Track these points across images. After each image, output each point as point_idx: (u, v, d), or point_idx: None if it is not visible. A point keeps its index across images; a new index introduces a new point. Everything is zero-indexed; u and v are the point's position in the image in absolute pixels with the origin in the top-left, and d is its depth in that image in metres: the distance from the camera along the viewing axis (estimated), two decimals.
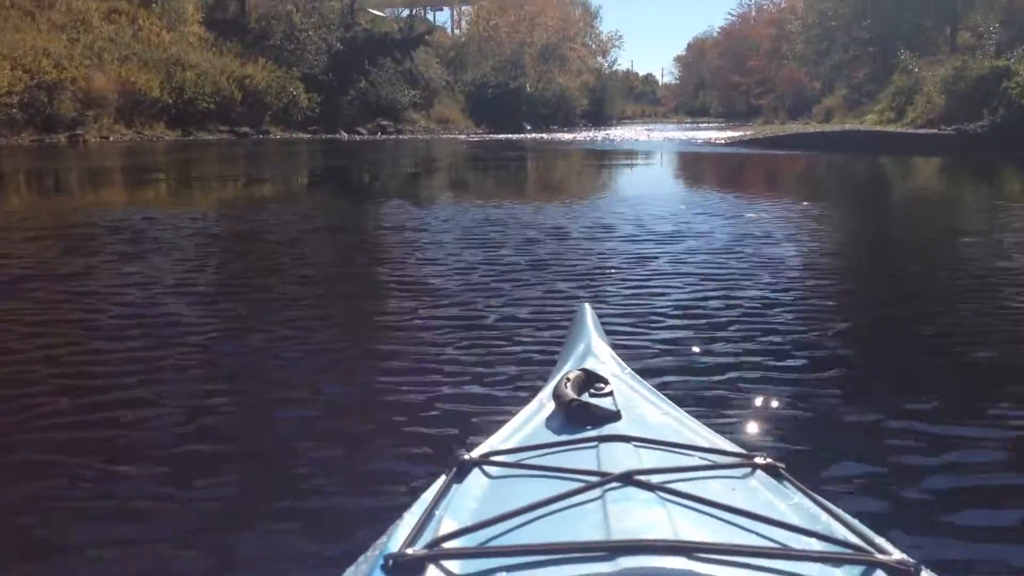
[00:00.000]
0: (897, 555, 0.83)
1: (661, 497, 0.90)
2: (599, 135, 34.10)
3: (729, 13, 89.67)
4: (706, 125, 51.41)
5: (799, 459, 2.39)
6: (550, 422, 1.23)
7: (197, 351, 3.63)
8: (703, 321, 4.08)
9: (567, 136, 33.71)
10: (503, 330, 3.92)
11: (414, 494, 1.03)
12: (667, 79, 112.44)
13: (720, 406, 2.89)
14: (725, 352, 3.55)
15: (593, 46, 66.52)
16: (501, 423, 1.31)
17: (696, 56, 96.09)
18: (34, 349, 3.62)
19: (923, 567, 0.82)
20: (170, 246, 6.33)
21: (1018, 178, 15.12)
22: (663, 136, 30.32)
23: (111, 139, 24.46)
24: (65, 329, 4.02)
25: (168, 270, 5.45)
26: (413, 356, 3.51)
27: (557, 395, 1.24)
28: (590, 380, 1.30)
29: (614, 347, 1.62)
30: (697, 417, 1.32)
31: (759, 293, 4.72)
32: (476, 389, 3.10)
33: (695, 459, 1.09)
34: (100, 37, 27.52)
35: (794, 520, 0.91)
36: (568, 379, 1.27)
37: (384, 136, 33.94)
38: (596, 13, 69.18)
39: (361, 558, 0.91)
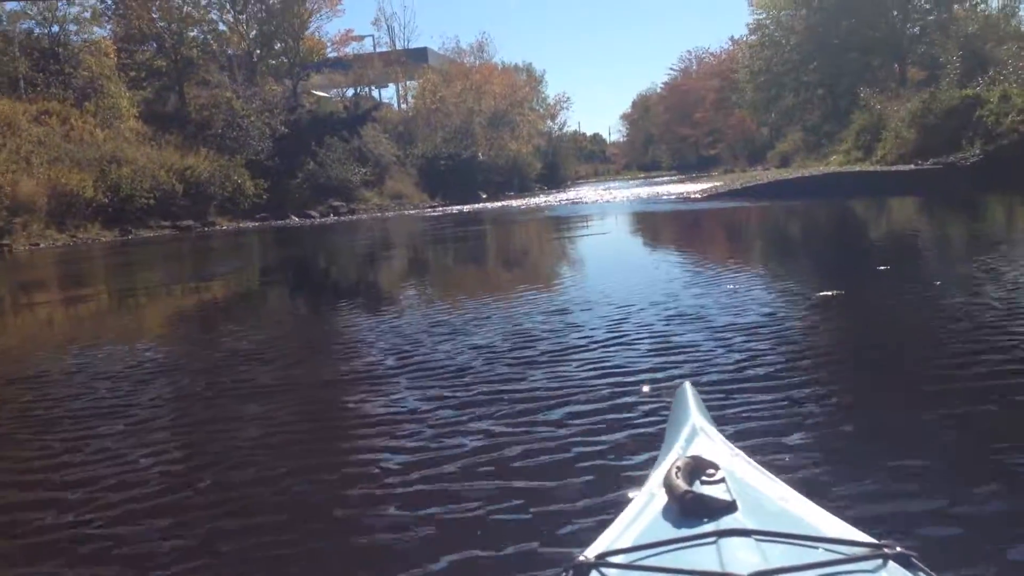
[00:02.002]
0: None
1: None
2: (560, 198, 32.96)
3: (671, 68, 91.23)
4: (666, 179, 50.75)
5: (929, 544, 2.08)
6: (665, 515, 1.18)
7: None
8: (813, 406, 3.58)
9: (527, 202, 32.51)
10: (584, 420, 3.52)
11: None
12: (615, 137, 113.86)
13: (839, 487, 2.64)
14: (839, 430, 3.26)
15: (541, 110, 66.47)
16: (609, 516, 1.28)
17: (642, 112, 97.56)
18: None
19: None
20: (104, 402, 4.63)
21: None
22: (629, 194, 28.94)
23: (41, 245, 22.73)
24: None
25: (109, 433, 3.92)
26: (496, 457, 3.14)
27: (668, 486, 1.20)
28: (700, 466, 1.25)
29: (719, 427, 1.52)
30: (816, 500, 1.23)
31: (867, 375, 4.15)
32: (573, 481, 2.84)
33: (820, 551, 1.04)
34: (28, 140, 26.03)
35: None
36: (678, 467, 1.22)
37: (336, 217, 32.59)
38: (541, 78, 69.45)
39: None
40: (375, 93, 53.22)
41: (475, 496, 2.78)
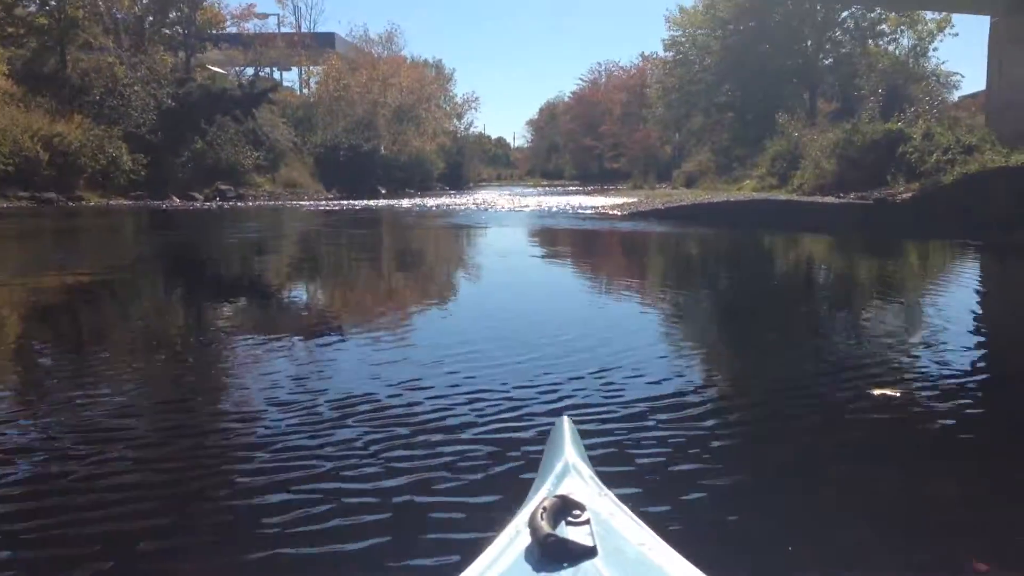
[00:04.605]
0: None
1: None
2: (462, 201, 31.33)
3: (580, 79, 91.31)
4: (572, 189, 49.71)
5: None
6: (526, 558, 1.20)
7: None
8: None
9: (428, 202, 30.68)
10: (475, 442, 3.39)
11: None
12: (519, 143, 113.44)
13: (704, 534, 2.64)
14: (708, 475, 3.17)
15: (448, 108, 64.88)
16: (477, 550, 1.26)
17: (548, 120, 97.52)
18: None
19: None
20: None
21: None
22: (540, 204, 27.17)
23: None
24: None
25: None
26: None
27: (532, 527, 1.22)
28: (567, 506, 1.28)
29: (593, 464, 1.55)
30: (678, 546, 1.25)
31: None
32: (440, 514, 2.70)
33: None
34: None
35: None
36: (544, 508, 1.26)
37: (223, 202, 30.10)
38: (450, 76, 67.95)
39: None
40: (276, 75, 50.48)
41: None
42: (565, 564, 1.15)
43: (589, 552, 1.17)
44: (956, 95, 39.01)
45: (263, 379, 4.51)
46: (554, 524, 1.22)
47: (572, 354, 4.99)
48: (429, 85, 58.49)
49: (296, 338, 5.73)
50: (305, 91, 52.59)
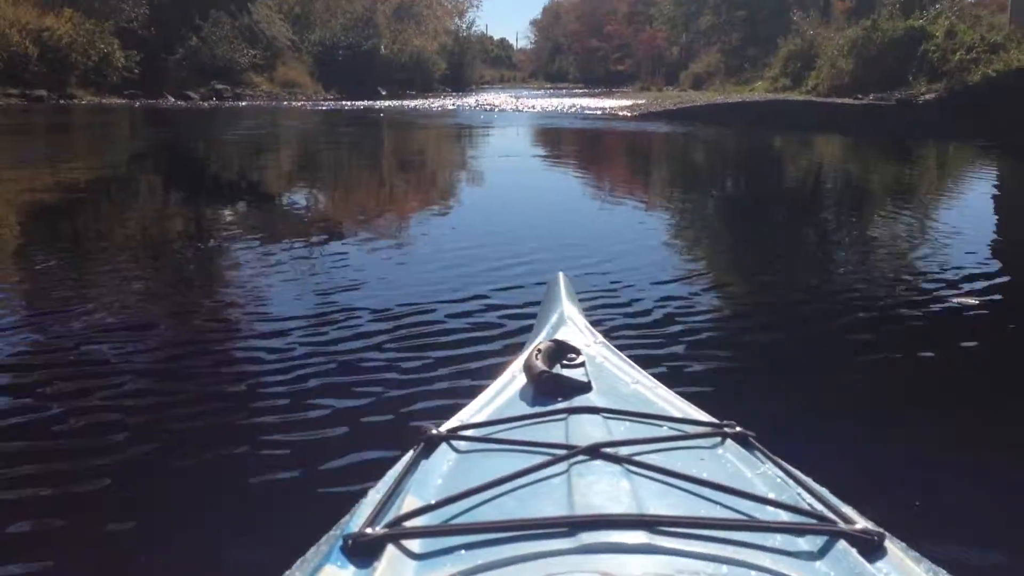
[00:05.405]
0: (862, 524, 0.81)
1: (627, 470, 0.88)
2: (467, 102, 30.41)
3: None
4: (578, 92, 48.35)
5: (771, 428, 1.61)
6: (521, 395, 1.22)
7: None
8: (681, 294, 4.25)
9: (432, 104, 29.82)
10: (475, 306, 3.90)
11: (384, 472, 0.97)
12: (522, 44, 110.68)
13: (694, 375, 3.00)
14: (699, 323, 3.73)
15: (449, 6, 62.76)
16: (473, 398, 1.26)
17: (552, 20, 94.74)
18: None
19: (887, 535, 0.80)
20: None
21: None
22: (546, 105, 26.19)
23: None
24: None
25: None
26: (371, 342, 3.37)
27: (528, 367, 1.22)
28: (562, 351, 1.27)
29: (588, 316, 1.57)
30: (671, 386, 1.27)
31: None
32: (444, 369, 3.06)
33: (664, 429, 1.08)
34: None
35: (761, 490, 0.89)
36: (539, 350, 1.24)
37: (219, 102, 29.27)
38: None
39: (323, 539, 0.86)
40: None
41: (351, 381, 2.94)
42: (559, 399, 1.14)
43: (584, 387, 1.16)
44: None
45: (259, 284, 4.53)
46: (550, 366, 1.21)
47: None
48: None
49: (295, 241, 5.52)
50: None
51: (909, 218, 7.38)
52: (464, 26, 67.38)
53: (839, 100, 20.36)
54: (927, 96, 17.95)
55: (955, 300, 4.38)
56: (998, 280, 4.95)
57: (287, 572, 0.83)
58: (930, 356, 3.46)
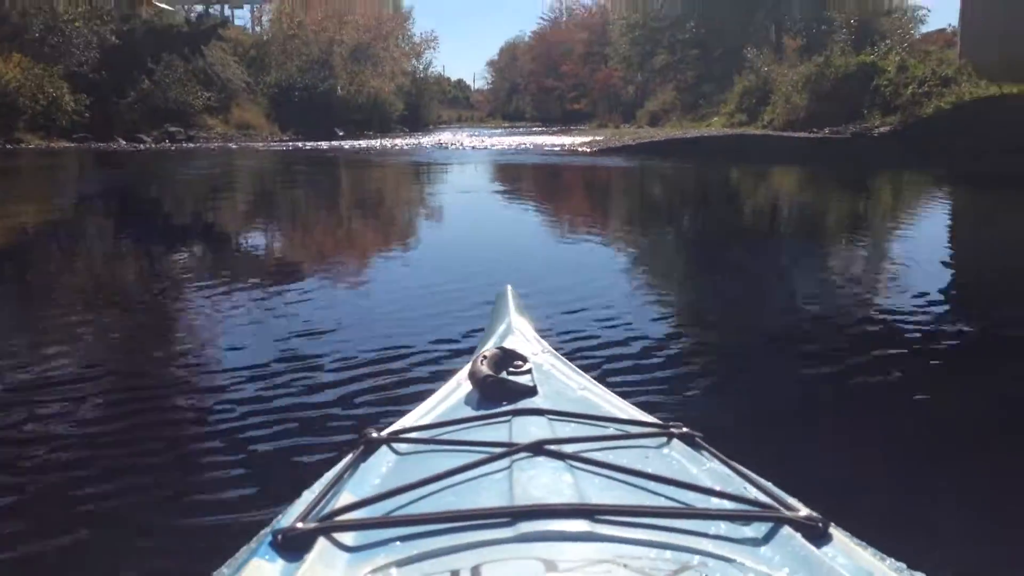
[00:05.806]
0: (805, 512, 0.81)
1: (571, 465, 0.86)
2: (425, 141, 30.30)
3: (541, 18, 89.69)
4: (536, 130, 48.54)
5: (720, 431, 1.59)
6: (466, 400, 1.20)
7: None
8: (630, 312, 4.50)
9: (389, 143, 29.69)
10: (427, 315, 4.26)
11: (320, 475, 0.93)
12: (479, 84, 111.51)
13: (643, 384, 3.07)
14: (649, 339, 3.85)
15: (407, 47, 62.98)
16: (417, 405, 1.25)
17: (509, 61, 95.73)
18: None
19: (831, 523, 0.80)
20: None
21: None
22: (506, 143, 26.21)
23: None
24: None
25: None
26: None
27: (473, 373, 1.21)
28: (508, 358, 1.25)
29: (538, 330, 1.56)
30: (619, 394, 1.25)
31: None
32: (391, 379, 3.19)
33: (610, 430, 1.06)
34: None
35: (705, 483, 0.89)
36: (485, 357, 1.22)
37: (172, 144, 28.81)
38: (408, 14, 65.86)
39: (254, 538, 0.84)
40: (227, 12, 48.40)
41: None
42: (504, 403, 1.12)
43: (529, 391, 1.15)
44: (922, 30, 38.71)
45: (209, 321, 4.44)
46: (496, 372, 1.18)
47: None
48: (387, 23, 56.61)
49: (251, 281, 5.35)
50: (257, 29, 50.58)
51: (858, 241, 7.79)
52: (421, 67, 67.67)
53: (796, 134, 20.59)
54: (882, 129, 18.21)
55: (888, 310, 4.68)
56: (935, 296, 5.24)
57: (215, 571, 0.78)
58: (869, 360, 3.65)
